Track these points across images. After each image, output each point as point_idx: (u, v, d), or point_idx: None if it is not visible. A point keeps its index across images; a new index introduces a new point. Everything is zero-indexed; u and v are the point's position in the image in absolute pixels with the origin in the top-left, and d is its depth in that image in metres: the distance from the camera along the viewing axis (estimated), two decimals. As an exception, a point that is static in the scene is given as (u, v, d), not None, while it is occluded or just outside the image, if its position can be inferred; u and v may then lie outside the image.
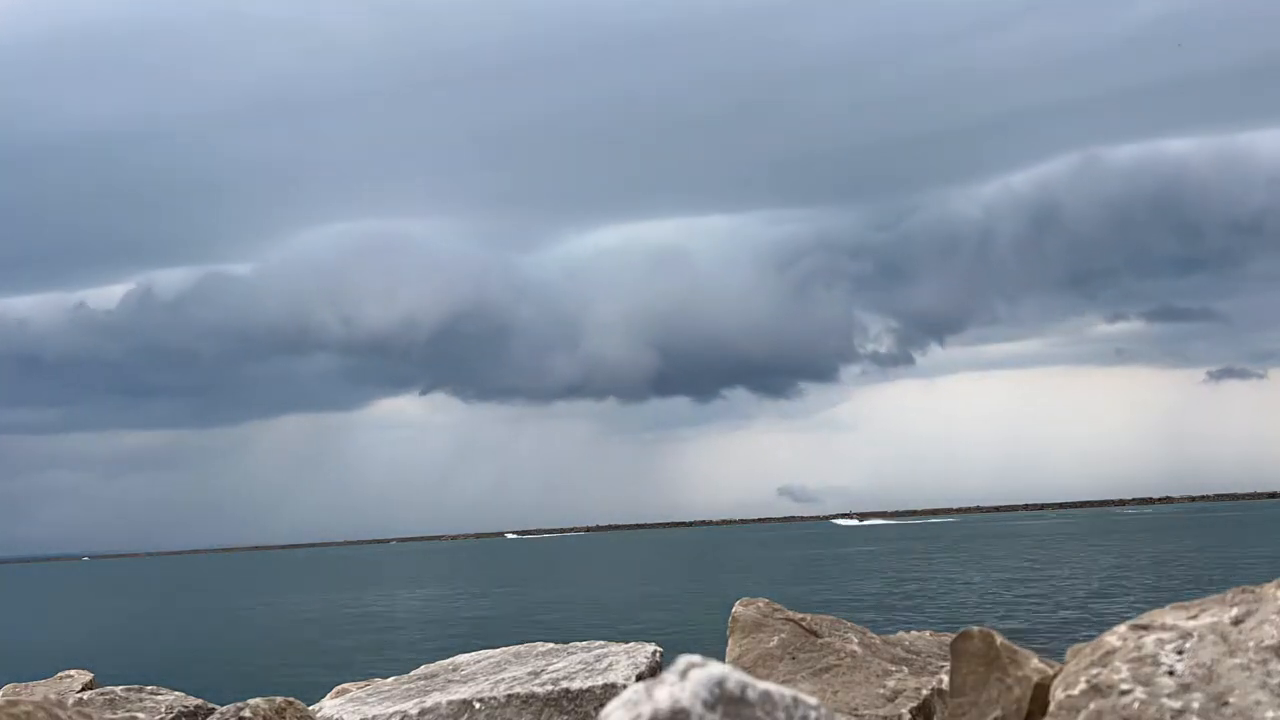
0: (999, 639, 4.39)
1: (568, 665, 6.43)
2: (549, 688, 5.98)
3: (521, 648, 7.24)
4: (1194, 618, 3.73)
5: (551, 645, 7.19)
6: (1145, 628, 3.74)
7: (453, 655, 7.46)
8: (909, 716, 5.98)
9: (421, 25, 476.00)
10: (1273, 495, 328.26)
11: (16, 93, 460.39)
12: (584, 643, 7.06)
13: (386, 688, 6.92)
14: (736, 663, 6.59)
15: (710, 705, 2.28)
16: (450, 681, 6.56)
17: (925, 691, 6.11)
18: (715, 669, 2.34)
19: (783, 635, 6.70)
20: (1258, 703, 3.39)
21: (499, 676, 6.41)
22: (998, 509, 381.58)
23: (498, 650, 7.28)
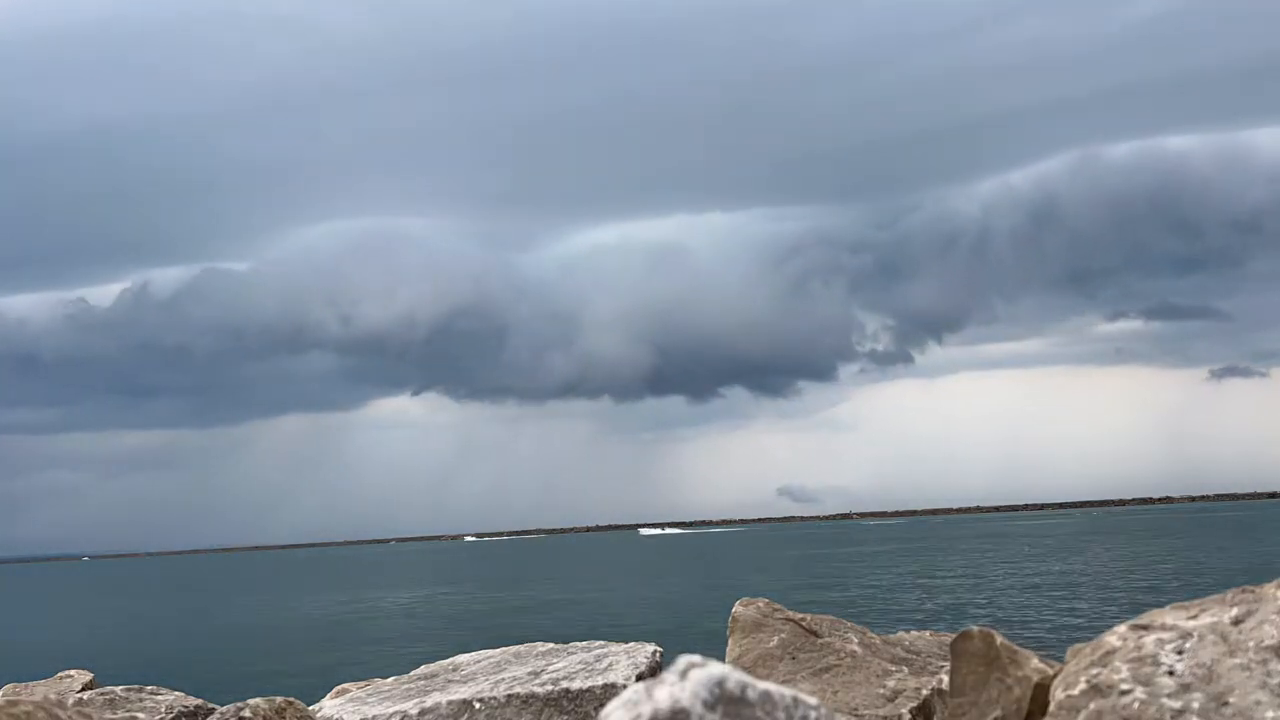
0: (999, 639, 4.39)
1: (568, 665, 6.43)
2: (549, 688, 5.98)
3: (521, 648, 7.24)
4: (1194, 618, 3.73)
5: (551, 645, 7.19)
6: (1145, 628, 3.74)
7: (453, 655, 7.46)
8: (909, 716, 5.98)
9: (419, 23, 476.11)
10: (1273, 495, 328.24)
11: (14, 92, 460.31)
12: (584, 643, 7.06)
13: (386, 688, 6.92)
14: (736, 663, 6.59)
15: (710, 705, 2.28)
16: (450, 681, 6.56)
17: (925, 691, 6.11)
18: (715, 669, 2.34)
19: (783, 635, 6.70)
20: (1258, 703, 3.39)
21: (499, 676, 6.41)
22: (998, 509, 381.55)
23: (498, 650, 7.27)
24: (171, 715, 6.42)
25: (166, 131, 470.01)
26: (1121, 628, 3.79)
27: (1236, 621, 3.66)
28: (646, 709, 2.25)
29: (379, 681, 7.58)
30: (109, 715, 6.26)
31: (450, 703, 5.98)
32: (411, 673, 7.21)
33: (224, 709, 5.94)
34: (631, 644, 6.89)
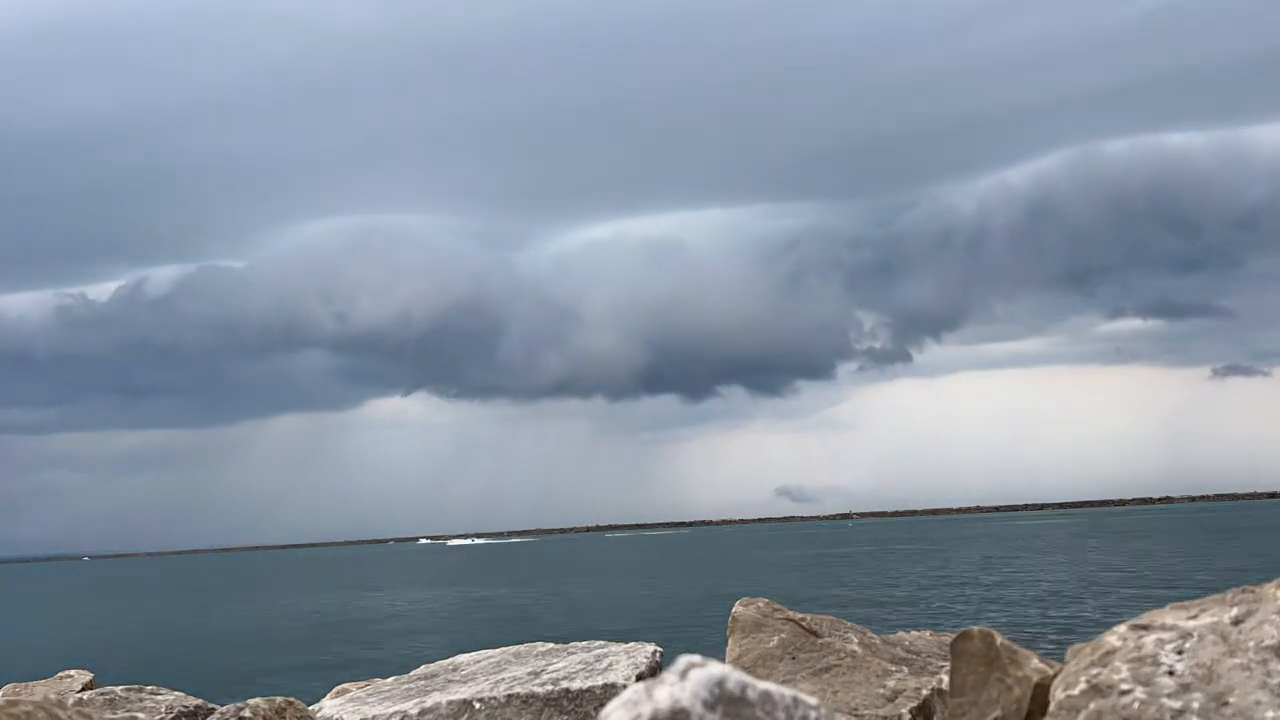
0: (999, 639, 4.39)
1: (568, 665, 6.43)
2: (549, 688, 5.98)
3: (521, 648, 7.24)
4: (1194, 618, 3.73)
5: (551, 645, 7.19)
6: (1145, 628, 3.74)
7: (453, 655, 7.47)
8: (909, 716, 5.98)
9: (416, 21, 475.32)
10: (1273, 495, 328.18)
11: (8, 89, 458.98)
12: (584, 643, 7.06)
13: (386, 688, 6.92)
14: (736, 663, 6.60)
15: (710, 705, 2.28)
16: (450, 681, 6.56)
17: (925, 691, 6.11)
18: (715, 669, 2.35)
19: (783, 635, 6.70)
20: (1258, 703, 3.39)
21: (499, 676, 6.41)
22: (998, 509, 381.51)
23: (498, 650, 7.28)
24: (171, 715, 6.42)
25: (163, 128, 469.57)
26: (1121, 628, 3.79)
27: (1236, 621, 3.66)
28: (646, 709, 2.25)
29: (379, 681, 7.59)
30: (109, 715, 6.27)
31: (450, 703, 5.99)
32: (411, 673, 7.21)
33: (224, 709, 5.94)
34: (631, 644, 6.89)
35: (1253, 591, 3.80)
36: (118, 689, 6.74)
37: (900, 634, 7.26)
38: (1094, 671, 3.65)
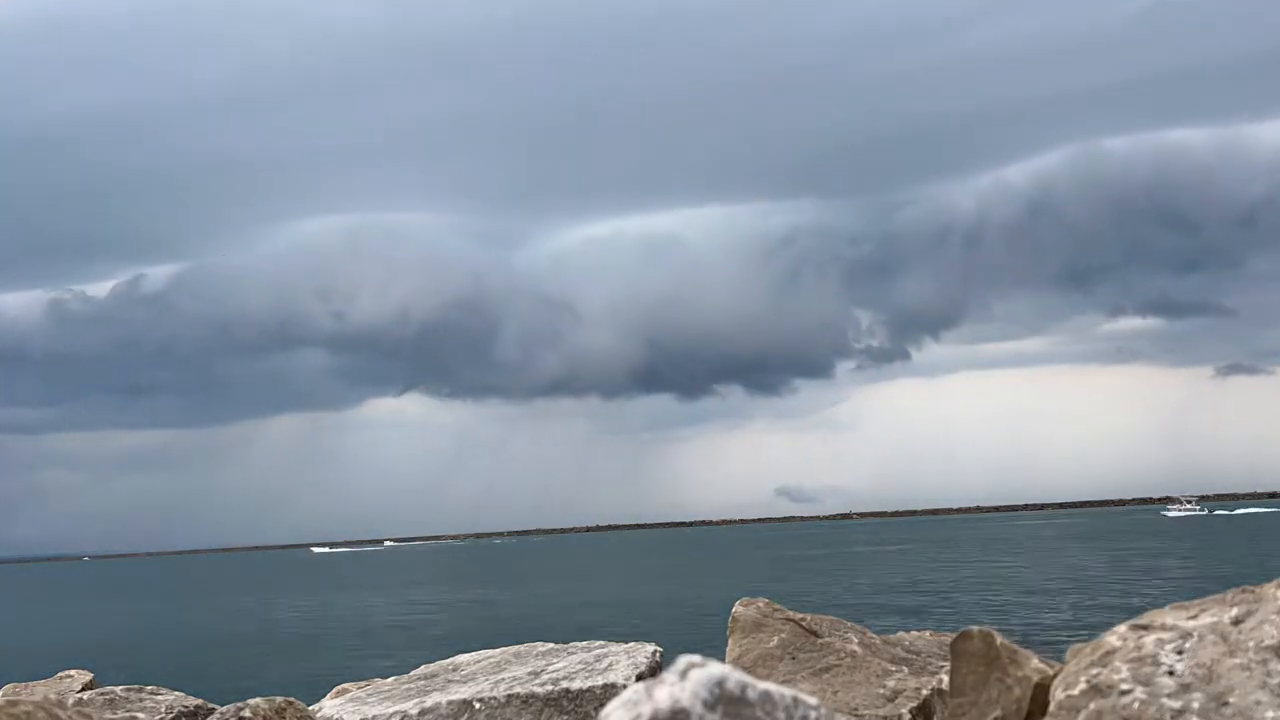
0: (999, 639, 4.39)
1: (568, 665, 6.43)
2: (549, 688, 5.98)
3: (521, 648, 7.23)
4: (1194, 618, 3.73)
5: (551, 645, 7.19)
6: (1145, 628, 3.74)
7: (453, 655, 7.47)
8: (909, 716, 5.98)
9: (414, 18, 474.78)
10: (1273, 495, 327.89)
11: (3, 87, 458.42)
12: (584, 643, 7.05)
13: (386, 688, 6.92)
14: (736, 663, 6.60)
15: (710, 705, 2.28)
16: (450, 681, 6.56)
17: (925, 691, 6.11)
18: (715, 669, 2.35)
19: (783, 635, 6.70)
20: (1258, 703, 3.39)
21: (499, 676, 6.41)
22: (998, 509, 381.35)
23: (498, 650, 7.27)
24: (171, 715, 6.42)
25: (160, 126, 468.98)
26: (1121, 628, 3.79)
27: (1236, 621, 3.66)
28: (646, 709, 2.25)
29: (379, 681, 7.58)
30: (109, 715, 6.26)
31: (450, 703, 5.99)
32: (411, 673, 7.21)
33: (224, 709, 5.94)
34: (631, 644, 6.89)
35: (1253, 591, 3.80)
36: (118, 689, 6.74)
37: (900, 634, 7.26)
38: (1094, 671, 3.65)
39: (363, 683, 8.14)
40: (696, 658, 2.38)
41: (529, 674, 6.33)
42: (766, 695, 2.36)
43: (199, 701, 6.67)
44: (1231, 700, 3.42)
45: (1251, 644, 3.55)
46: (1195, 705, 3.44)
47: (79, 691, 7.14)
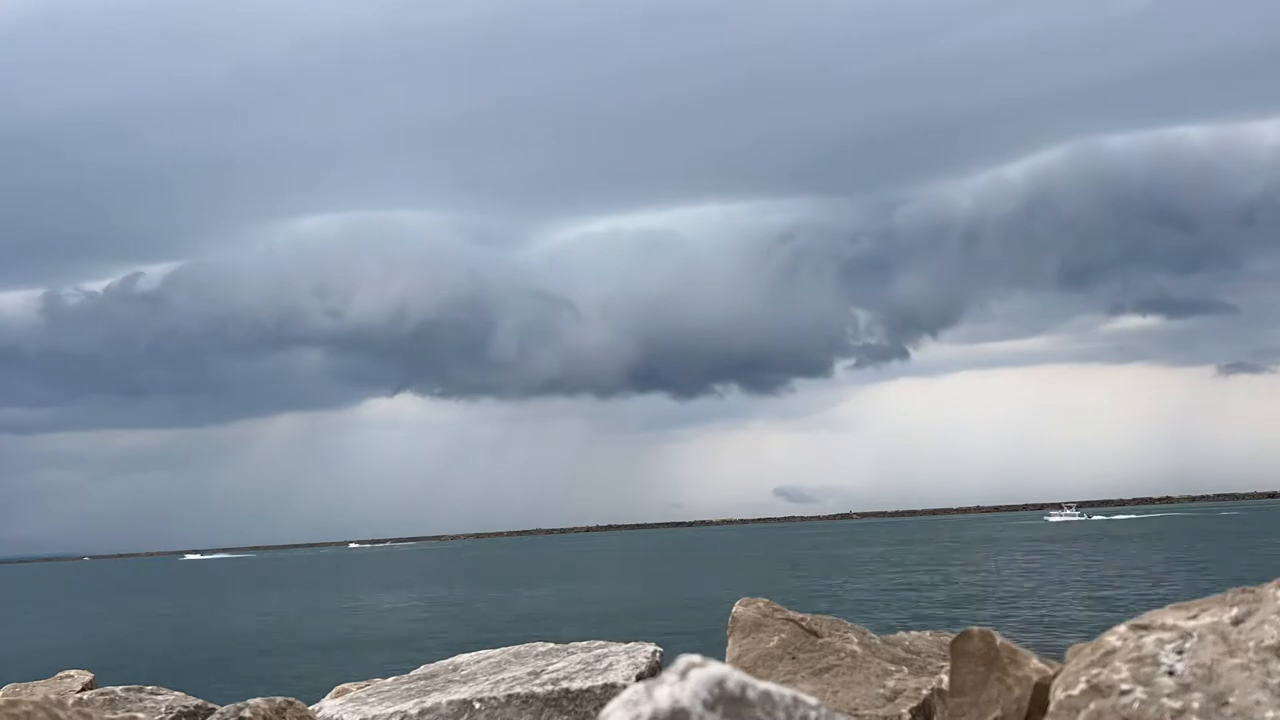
0: (999, 639, 4.39)
1: (568, 665, 6.43)
2: (549, 688, 5.98)
3: (521, 648, 7.23)
4: (1194, 618, 3.73)
5: (551, 645, 7.19)
6: (1145, 628, 3.74)
7: (453, 655, 7.47)
8: (909, 716, 5.98)
9: (412, 15, 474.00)
10: (1273, 495, 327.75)
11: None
12: (584, 643, 7.05)
13: (386, 688, 6.92)
14: (736, 663, 6.59)
15: (710, 705, 2.28)
16: (450, 681, 6.56)
17: (925, 691, 6.11)
18: (715, 669, 2.35)
19: (783, 635, 6.70)
20: (1258, 703, 3.39)
21: (499, 676, 6.41)
22: (998, 509, 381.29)
23: (498, 650, 7.27)
24: (171, 715, 6.42)
25: (155, 124, 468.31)
26: (1121, 628, 3.79)
27: (1236, 622, 3.66)
28: (646, 709, 2.25)
29: (379, 681, 7.58)
30: (109, 715, 6.26)
31: (450, 703, 5.99)
32: (411, 673, 7.21)
33: (224, 709, 5.94)
34: (631, 644, 6.89)
35: (1253, 592, 3.80)
36: (118, 689, 6.74)
37: (900, 634, 7.25)
38: (1094, 671, 3.65)
39: (363, 683, 8.15)
40: (696, 658, 2.38)
41: (529, 674, 6.33)
42: (766, 695, 2.36)
43: (199, 701, 6.68)
44: (1231, 700, 3.42)
45: (1251, 644, 3.55)
46: (1195, 705, 3.44)
47: (79, 691, 7.14)
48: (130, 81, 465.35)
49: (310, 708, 6.54)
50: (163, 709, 6.45)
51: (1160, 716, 3.45)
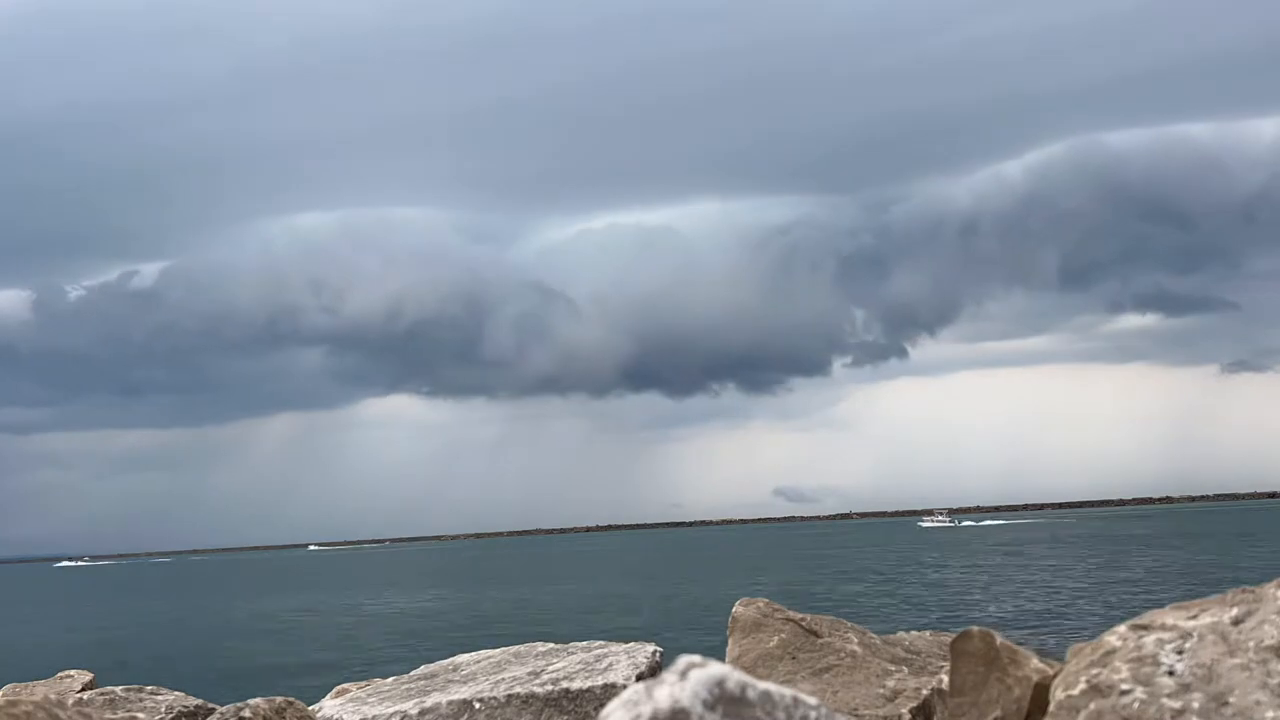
0: (999, 639, 4.39)
1: (568, 665, 6.43)
2: (549, 688, 5.98)
3: (521, 648, 7.23)
4: (1194, 618, 3.73)
5: (551, 645, 7.19)
6: (1145, 628, 3.74)
7: (453, 655, 7.47)
8: (909, 716, 5.98)
9: (409, 12, 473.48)
10: (1273, 495, 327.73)
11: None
12: (584, 643, 7.05)
13: (386, 688, 6.92)
14: (736, 663, 6.59)
15: (710, 705, 2.28)
16: (450, 681, 6.56)
17: (925, 691, 6.11)
18: (715, 669, 2.35)
19: (783, 635, 6.70)
20: (1258, 703, 3.39)
21: (499, 676, 6.41)
22: (998, 509, 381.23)
23: (498, 650, 7.27)
24: (171, 715, 6.42)
25: (150, 121, 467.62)
26: (1121, 628, 3.79)
27: (1236, 622, 3.66)
28: (646, 709, 2.25)
29: (379, 681, 7.58)
30: (109, 715, 6.26)
31: (450, 703, 5.99)
32: (411, 673, 7.21)
33: (224, 709, 5.94)
34: (631, 644, 6.89)
35: (1253, 591, 3.79)
36: (118, 689, 6.74)
37: (900, 634, 7.26)
38: (1094, 671, 3.65)
39: (363, 683, 8.15)
40: (696, 658, 2.38)
41: (529, 674, 6.33)
42: (766, 695, 2.36)
43: (199, 701, 6.68)
44: (1231, 700, 3.42)
45: (1251, 644, 3.55)
46: (1195, 705, 3.44)
47: (79, 691, 7.14)
48: (127, 79, 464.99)
49: (310, 708, 6.54)
50: (163, 709, 6.45)
51: (1160, 716, 3.45)
